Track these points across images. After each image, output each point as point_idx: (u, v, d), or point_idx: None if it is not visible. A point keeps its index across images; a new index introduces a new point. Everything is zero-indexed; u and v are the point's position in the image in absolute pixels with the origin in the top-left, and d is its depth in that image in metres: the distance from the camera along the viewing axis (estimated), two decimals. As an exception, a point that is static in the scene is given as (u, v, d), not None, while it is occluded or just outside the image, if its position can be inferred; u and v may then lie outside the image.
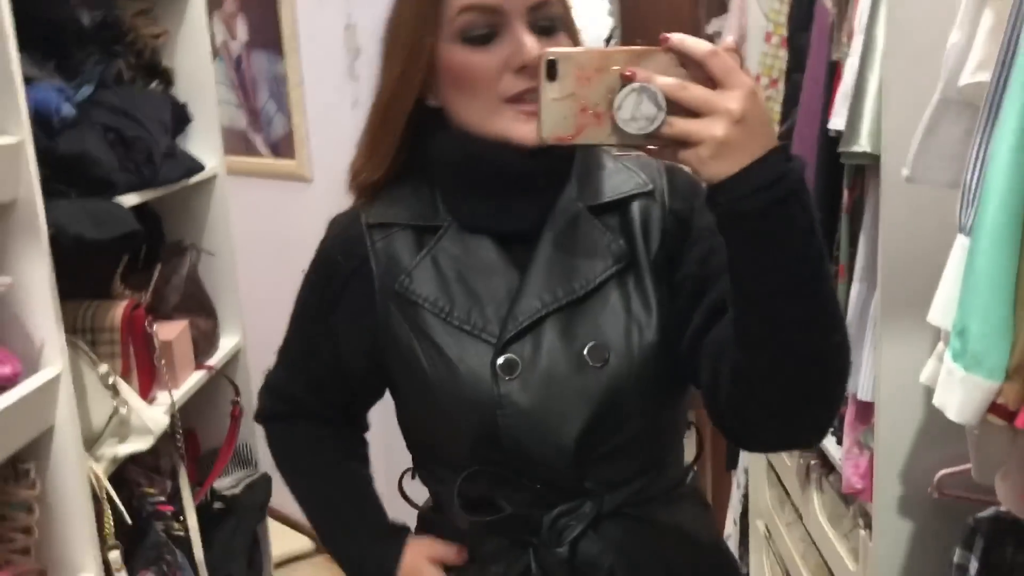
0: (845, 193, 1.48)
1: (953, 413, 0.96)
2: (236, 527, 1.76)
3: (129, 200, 1.47)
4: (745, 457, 2.44)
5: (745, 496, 2.44)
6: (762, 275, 0.77)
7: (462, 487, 0.95)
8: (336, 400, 1.10)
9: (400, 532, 1.08)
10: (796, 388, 0.82)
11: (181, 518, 1.53)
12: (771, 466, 2.22)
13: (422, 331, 0.95)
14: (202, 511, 1.68)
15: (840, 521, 1.72)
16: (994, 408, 0.95)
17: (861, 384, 1.43)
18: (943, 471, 1.33)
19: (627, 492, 0.96)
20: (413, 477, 1.09)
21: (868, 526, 1.50)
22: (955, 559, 1.20)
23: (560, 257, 0.95)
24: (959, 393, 0.95)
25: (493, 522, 0.96)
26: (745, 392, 0.84)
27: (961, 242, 0.99)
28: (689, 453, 1.08)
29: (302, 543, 3.38)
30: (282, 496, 3.67)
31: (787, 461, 2.01)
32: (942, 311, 1.02)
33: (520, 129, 0.90)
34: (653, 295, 0.95)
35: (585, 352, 0.92)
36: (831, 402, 0.86)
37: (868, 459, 1.47)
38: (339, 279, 1.01)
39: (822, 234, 0.78)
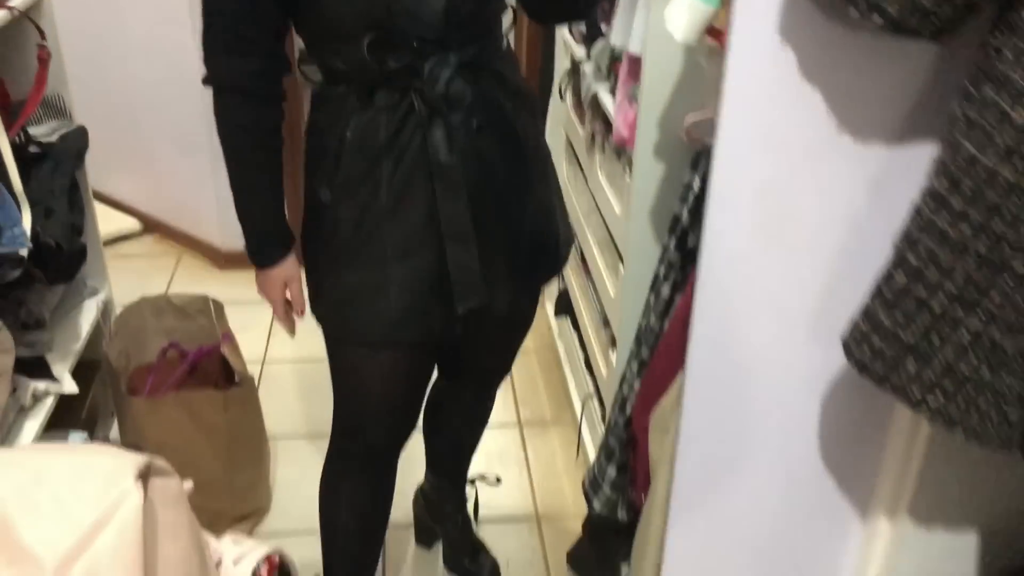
0: None
1: (680, 35, 1.15)
2: (54, 169, 1.82)
3: None
4: (550, 138, 2.67)
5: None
6: None
7: (368, 48, 1.23)
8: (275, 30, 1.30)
9: (289, 244, 1.43)
10: None
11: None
12: (569, 143, 2.45)
13: None
14: (18, 153, 1.73)
15: (615, 178, 1.98)
16: (710, 31, 1.15)
17: (633, 40, 1.62)
18: (691, 116, 1.56)
19: (475, 48, 1.29)
20: (304, 62, 1.38)
21: (632, 173, 1.75)
22: (684, 179, 1.45)
23: None
24: (685, 16, 1.14)
25: (390, 70, 1.26)
26: None
27: None
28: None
29: (130, 223, 3.46)
30: (109, 179, 3.67)
31: (579, 131, 2.24)
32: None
33: None
34: None
35: None
36: None
37: (635, 111, 1.69)
38: None
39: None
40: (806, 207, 0.71)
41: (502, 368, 1.78)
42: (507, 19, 1.39)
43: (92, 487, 1.13)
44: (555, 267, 1.56)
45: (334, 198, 1.35)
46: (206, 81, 1.34)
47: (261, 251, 1.43)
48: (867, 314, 0.68)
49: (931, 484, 0.82)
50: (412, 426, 1.61)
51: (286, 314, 1.48)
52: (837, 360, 0.75)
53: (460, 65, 1.28)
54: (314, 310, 1.46)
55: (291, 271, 1.45)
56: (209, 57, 1.32)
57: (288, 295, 1.47)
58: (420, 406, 1.61)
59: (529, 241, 1.46)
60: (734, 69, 0.66)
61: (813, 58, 0.65)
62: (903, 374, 0.66)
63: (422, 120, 1.28)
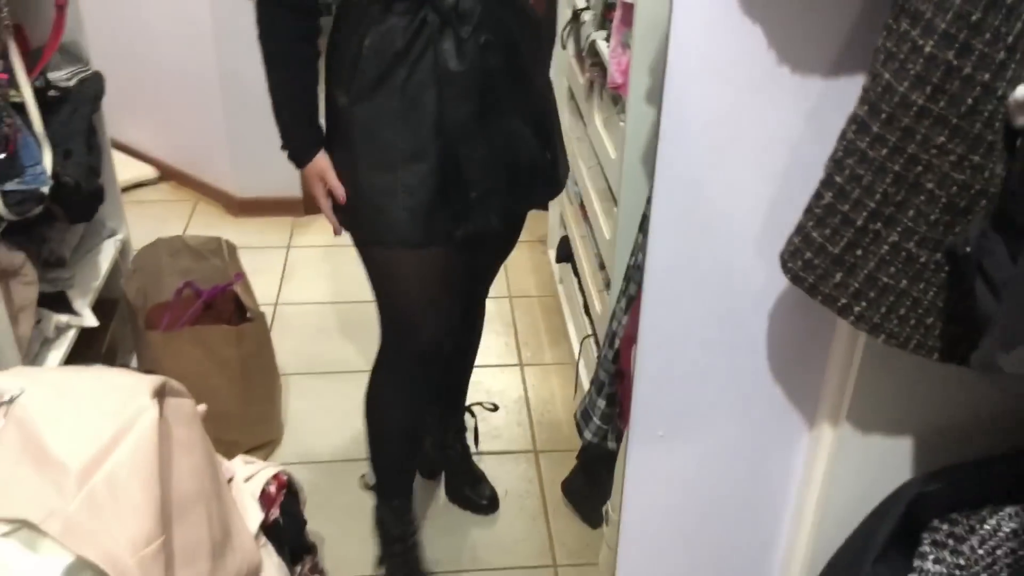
0: None
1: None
2: (73, 112, 1.90)
3: None
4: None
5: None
6: None
7: None
8: None
9: (322, 142, 1.50)
10: None
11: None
12: (571, 93, 2.51)
13: None
14: (38, 97, 1.81)
15: (611, 124, 2.04)
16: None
17: (626, -13, 1.66)
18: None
19: None
20: None
21: (626, 118, 1.81)
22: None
23: None
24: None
25: None
26: None
27: None
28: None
29: (146, 171, 3.54)
30: (126, 128, 3.73)
31: (580, 80, 2.29)
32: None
33: None
34: None
35: None
36: None
37: (629, 58, 1.74)
38: None
39: None
40: (750, 136, 0.78)
41: (487, 284, 1.89)
42: None
43: (111, 402, 1.23)
44: (552, 189, 1.64)
45: (351, 102, 1.45)
46: None
47: (297, 151, 1.51)
48: (800, 230, 0.75)
49: (868, 391, 0.89)
50: (450, 326, 1.69)
51: (330, 208, 1.55)
52: (782, 277, 0.82)
53: None
54: (338, 217, 1.55)
55: (323, 164, 1.52)
56: None
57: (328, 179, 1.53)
58: (452, 306, 1.68)
59: (528, 158, 1.54)
60: (680, 9, 0.73)
61: (754, -3, 0.71)
62: (831, 284, 0.74)
63: (434, 31, 1.38)
